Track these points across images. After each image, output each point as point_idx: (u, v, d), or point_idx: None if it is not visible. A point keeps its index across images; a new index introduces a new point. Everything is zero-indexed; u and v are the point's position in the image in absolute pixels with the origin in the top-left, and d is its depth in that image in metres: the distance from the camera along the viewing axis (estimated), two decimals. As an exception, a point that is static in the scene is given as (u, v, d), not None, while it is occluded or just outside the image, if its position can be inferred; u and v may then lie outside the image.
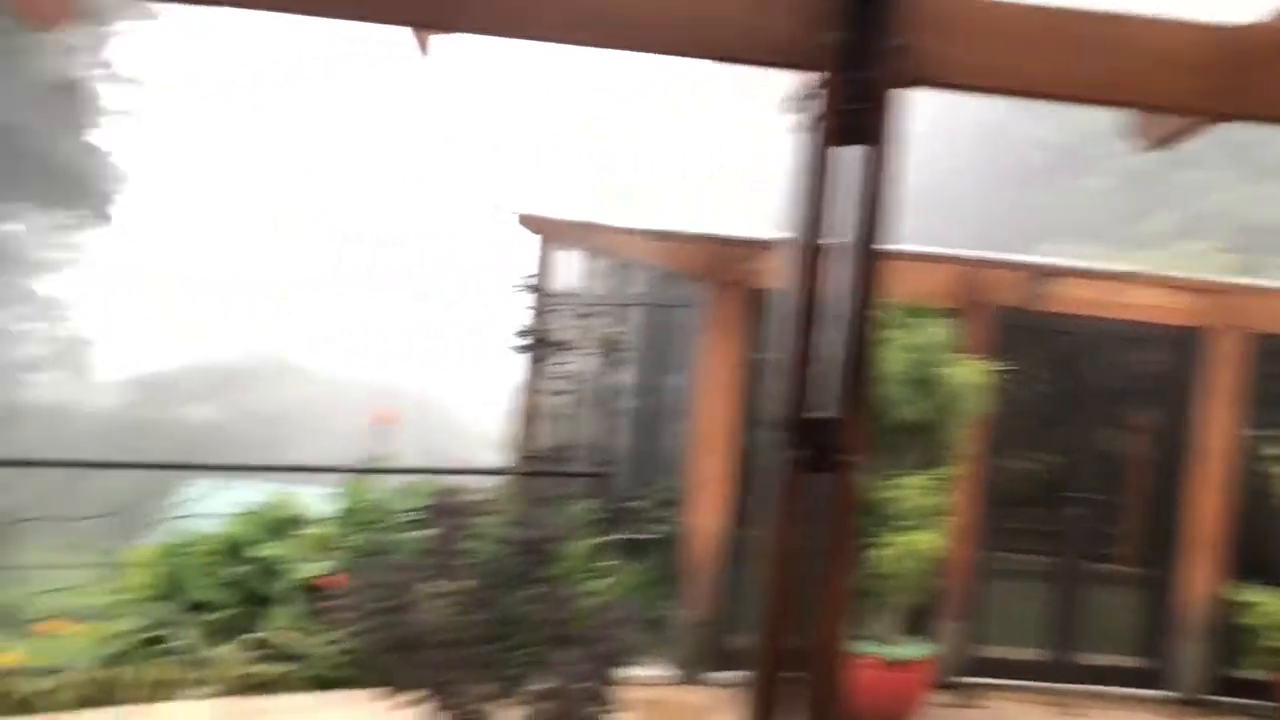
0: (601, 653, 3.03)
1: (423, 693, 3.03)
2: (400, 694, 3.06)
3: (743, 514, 7.81)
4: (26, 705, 6.14)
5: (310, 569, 7.79)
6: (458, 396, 74.63)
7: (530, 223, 13.33)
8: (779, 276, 3.22)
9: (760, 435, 8.11)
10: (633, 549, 8.12)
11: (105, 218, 38.92)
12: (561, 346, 7.90)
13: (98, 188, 39.09)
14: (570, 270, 12.64)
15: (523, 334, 8.27)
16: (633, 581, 7.57)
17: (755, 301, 7.76)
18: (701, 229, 7.73)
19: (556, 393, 10.42)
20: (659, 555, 7.99)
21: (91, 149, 42.23)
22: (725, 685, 7.26)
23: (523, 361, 13.26)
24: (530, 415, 13.07)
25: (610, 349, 8.31)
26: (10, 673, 6.43)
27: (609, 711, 3.04)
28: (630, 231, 9.65)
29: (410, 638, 2.88)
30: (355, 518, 8.73)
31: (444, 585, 2.96)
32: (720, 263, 7.76)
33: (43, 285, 62.19)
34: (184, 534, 8.86)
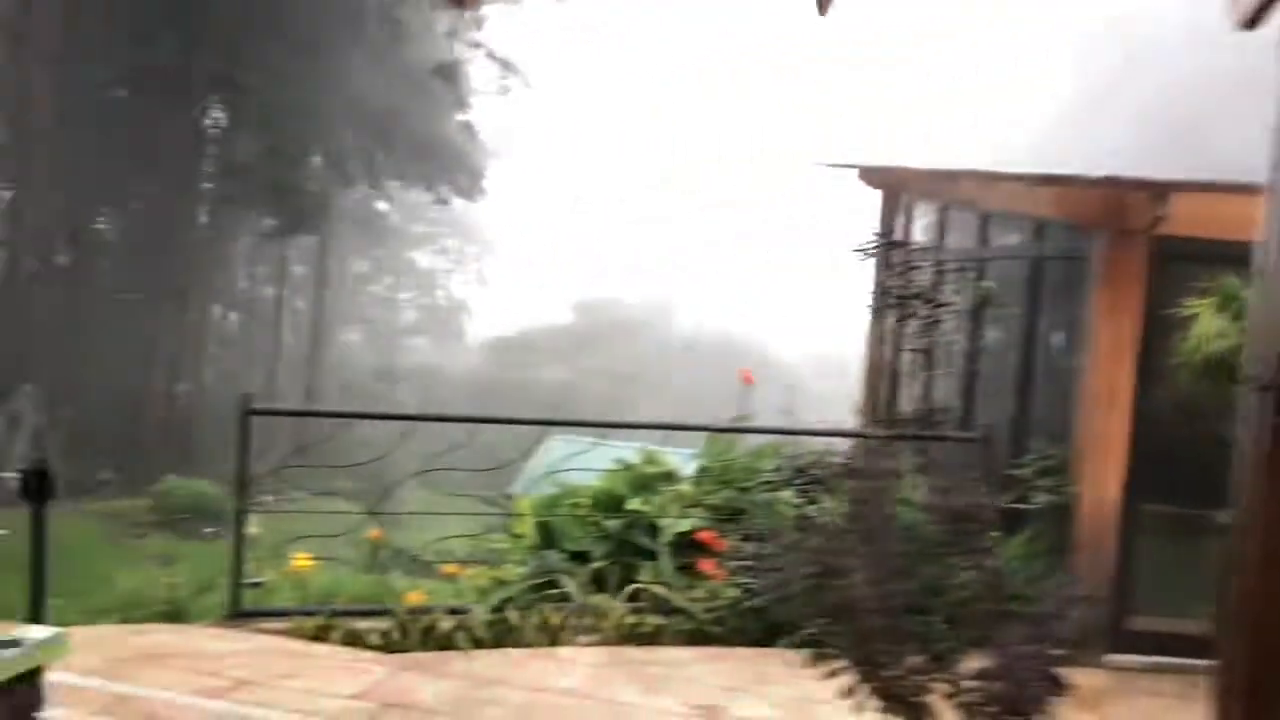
0: (1051, 631, 2.76)
1: (847, 662, 2.87)
2: (823, 661, 2.92)
3: (1141, 482, 7.12)
4: (439, 640, 6.59)
5: (682, 525, 7.89)
6: (800, 355, 74.71)
7: (872, 176, 12.83)
8: (1248, 224, 2.76)
9: (1157, 397, 7.34)
10: (1013, 519, 7.62)
11: (477, 192, 41.93)
12: (927, 304, 7.43)
13: (470, 164, 42.24)
14: (920, 225, 12.07)
15: (882, 292, 7.85)
16: (1017, 554, 7.10)
17: (1158, 251, 7.01)
18: (1098, 172, 7.04)
19: (914, 352, 9.95)
20: (1043, 526, 7.45)
21: (465, 127, 45.54)
22: (1125, 669, 6.66)
23: (872, 320, 12.85)
24: (883, 376, 12.63)
25: (982, 305, 7.79)
26: (417, 610, 6.92)
27: (1061, 694, 2.76)
28: (1001, 178, 9.03)
29: (838, 605, 2.73)
30: (717, 476, 8.77)
31: (870, 550, 2.78)
32: (1121, 209, 7.05)
33: (420, 256, 68.29)
34: (558, 488, 9.23)
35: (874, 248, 8.12)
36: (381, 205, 50.74)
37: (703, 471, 8.92)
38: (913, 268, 8.04)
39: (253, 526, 6.73)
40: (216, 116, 37.54)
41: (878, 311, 9.87)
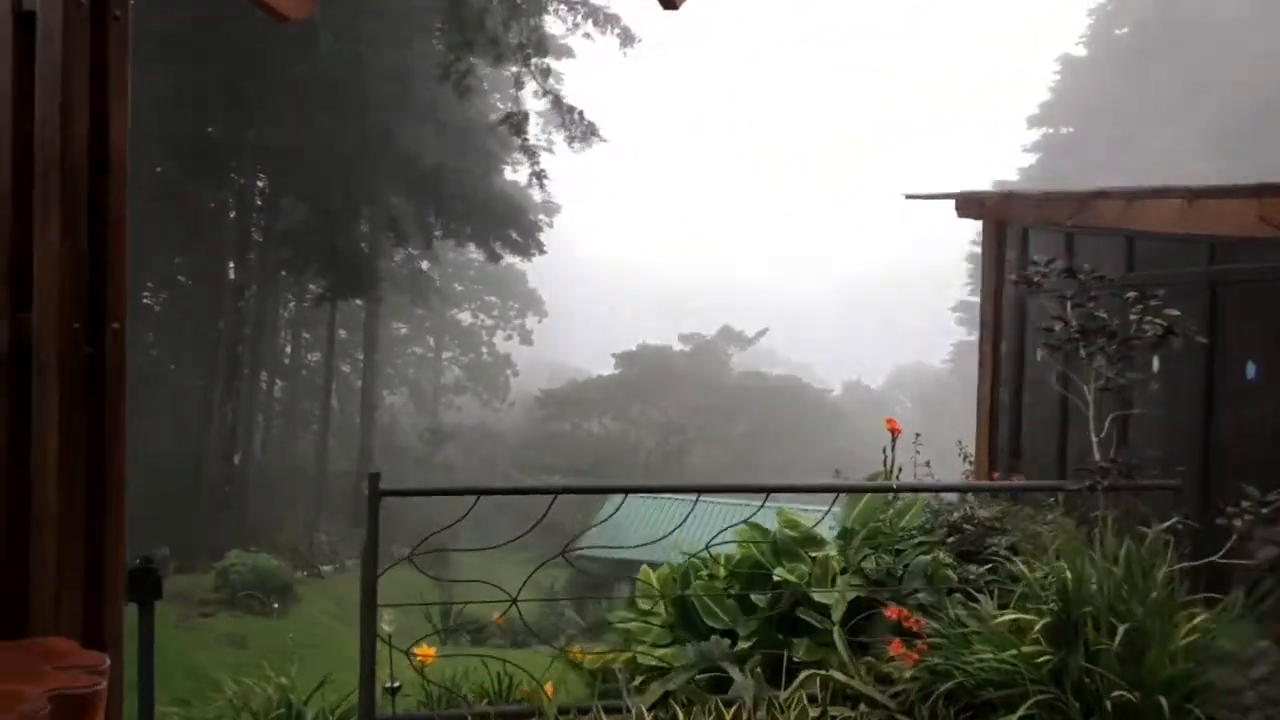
0: None
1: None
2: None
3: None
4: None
5: (847, 597, 7.03)
6: (911, 400, 73.50)
7: (972, 206, 12.03)
8: None
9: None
10: (1216, 577, 6.70)
11: (533, 248, 41.32)
12: (1110, 338, 6.55)
13: (526, 220, 41.72)
14: (1041, 253, 11.26)
15: (1052, 326, 7.00)
16: (1229, 619, 6.19)
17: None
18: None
19: (1103, 391, 9.02)
20: (1262, 585, 6.51)
21: (527, 180, 45.14)
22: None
23: (987, 355, 11.97)
24: (1001, 417, 11.71)
25: (1166, 336, 6.93)
26: (569, 709, 6.04)
27: None
28: (1169, 194, 8.22)
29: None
30: (866, 538, 7.92)
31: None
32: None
33: (461, 314, 68.04)
34: (684, 556, 8.38)
35: (1040, 277, 7.29)
36: (424, 264, 50.40)
37: (846, 533, 8.07)
38: (1092, 297, 7.19)
39: (385, 623, 5.99)
40: (263, 182, 37.49)
41: (1054, 349, 8.79)
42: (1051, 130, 62.88)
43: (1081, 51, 61.09)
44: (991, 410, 11.92)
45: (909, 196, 13.24)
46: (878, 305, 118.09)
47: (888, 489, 6.65)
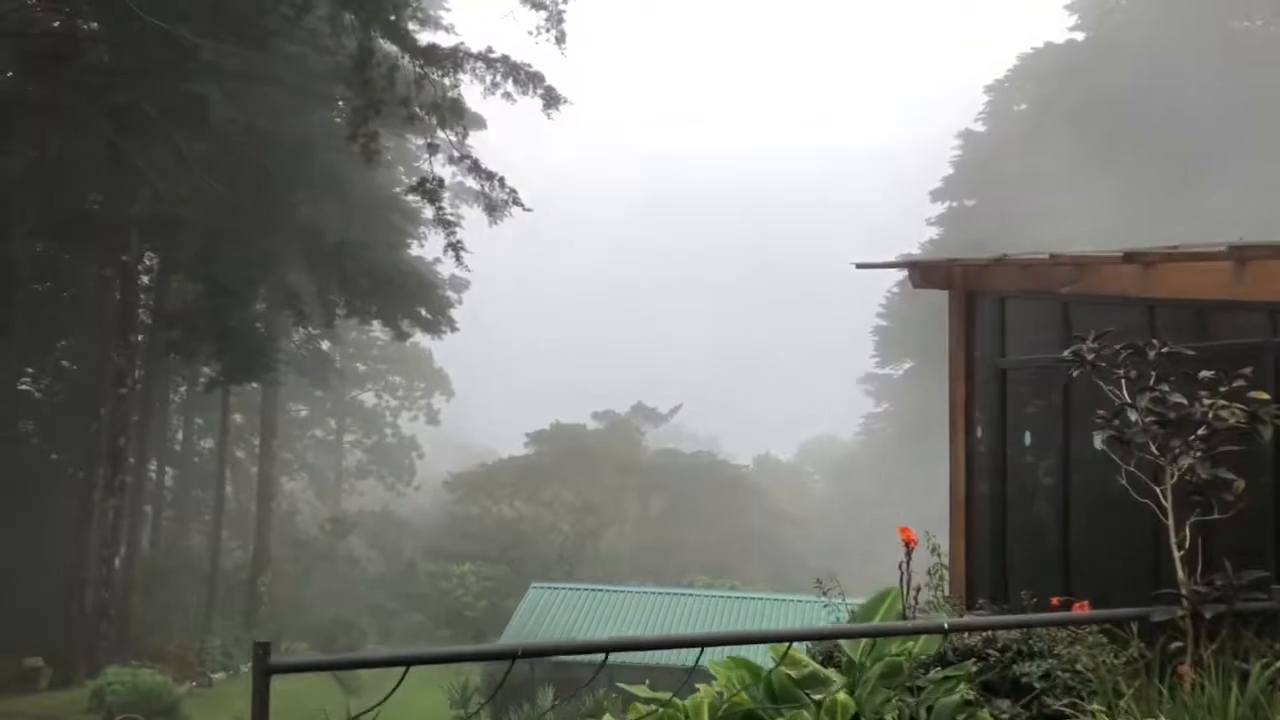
0: None
1: None
2: None
3: None
4: None
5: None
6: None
7: (934, 274, 10.97)
8: None
9: None
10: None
11: (444, 325, 39.47)
12: (1186, 426, 5.36)
13: (437, 296, 39.96)
14: (1020, 327, 10.22)
15: (1105, 417, 5.77)
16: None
17: None
18: None
19: (1190, 494, 7.83)
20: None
21: (422, 260, 43.46)
22: None
23: (967, 457, 10.72)
24: (989, 529, 10.48)
25: (1253, 423, 5.76)
26: None
27: None
28: (1195, 257, 7.17)
29: None
30: (882, 675, 6.53)
31: None
32: None
33: (364, 395, 65.66)
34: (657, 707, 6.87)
35: (1093, 355, 6.06)
36: (325, 344, 48.26)
37: (852, 667, 6.67)
38: (1166, 381, 5.98)
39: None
40: (151, 260, 35.28)
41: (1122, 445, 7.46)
42: (955, 203, 63.74)
43: (981, 127, 62.27)
44: (967, 510, 10.63)
45: (860, 266, 12.13)
46: (780, 374, 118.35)
47: (938, 629, 5.29)
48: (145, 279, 36.71)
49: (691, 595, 29.07)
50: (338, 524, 52.71)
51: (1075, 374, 6.30)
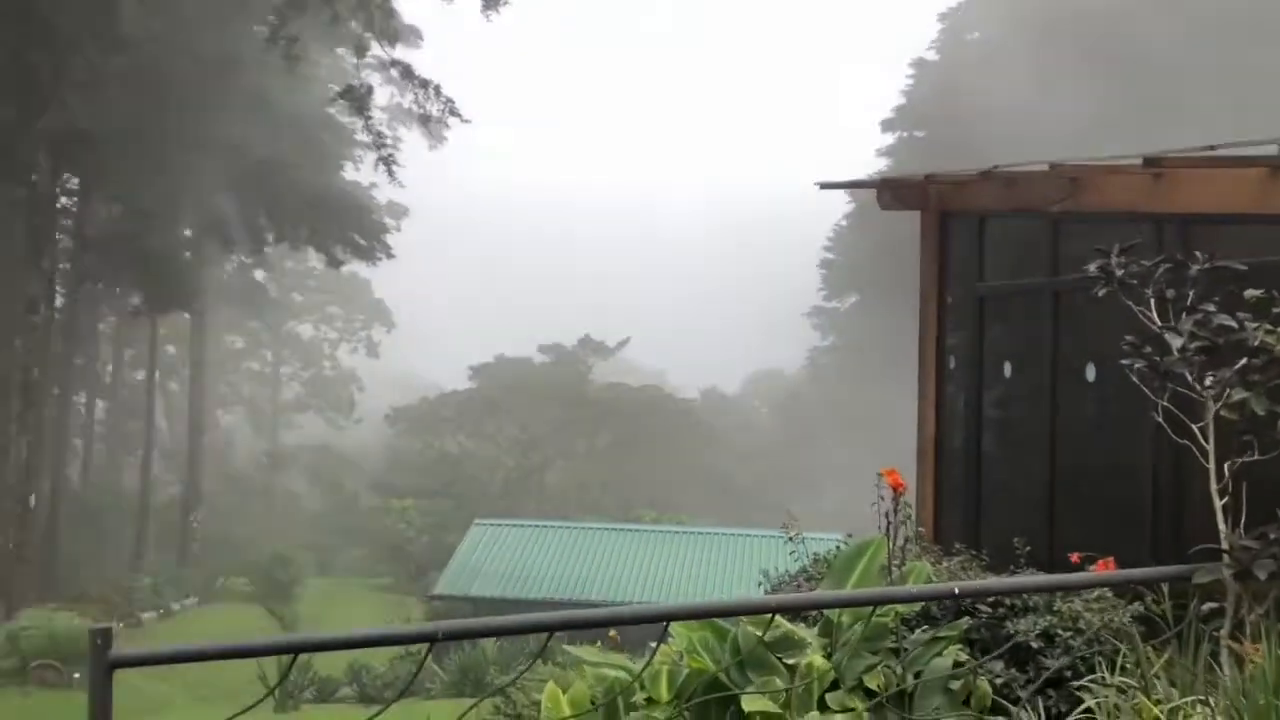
0: None
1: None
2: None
3: None
4: None
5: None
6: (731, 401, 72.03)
7: (905, 193, 10.05)
8: None
9: None
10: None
11: (380, 253, 37.72)
12: (1244, 351, 4.56)
13: (371, 220, 38.20)
14: (1000, 249, 9.39)
15: (1134, 344, 4.88)
16: None
17: None
18: None
19: (1239, 437, 7.04)
20: None
21: (356, 184, 41.51)
22: None
23: (943, 388, 9.91)
24: (962, 466, 9.74)
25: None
26: None
27: None
28: (1215, 163, 6.36)
29: None
30: (864, 635, 5.71)
31: None
32: None
33: (302, 327, 63.97)
34: (599, 659, 5.97)
35: (1122, 270, 5.17)
36: (258, 273, 46.56)
37: (830, 627, 5.85)
38: (1214, 300, 5.10)
39: None
40: (71, 180, 33.36)
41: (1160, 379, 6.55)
42: (905, 134, 62.91)
43: (933, 56, 61.27)
44: (937, 449, 9.78)
45: (824, 186, 11.22)
46: (725, 305, 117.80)
47: (948, 594, 4.45)
48: (66, 201, 34.86)
49: (640, 530, 28.40)
50: (275, 458, 51.50)
51: (1102, 293, 5.36)
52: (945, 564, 7.53)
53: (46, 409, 31.34)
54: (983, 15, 57.81)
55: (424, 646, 3.21)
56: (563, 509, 51.12)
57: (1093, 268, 5.24)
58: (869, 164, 62.53)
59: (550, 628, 3.51)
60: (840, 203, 65.73)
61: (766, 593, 9.19)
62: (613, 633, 10.22)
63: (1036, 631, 5.08)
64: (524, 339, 62.06)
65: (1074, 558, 5.26)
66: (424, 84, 25.09)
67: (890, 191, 10.05)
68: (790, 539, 9.17)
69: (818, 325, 76.19)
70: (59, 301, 34.71)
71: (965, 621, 5.32)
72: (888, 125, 63.48)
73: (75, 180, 33.74)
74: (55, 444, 34.82)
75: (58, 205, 32.65)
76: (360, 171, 41.75)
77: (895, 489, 5.78)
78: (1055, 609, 5.26)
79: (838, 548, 9.54)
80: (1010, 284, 8.86)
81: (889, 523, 5.70)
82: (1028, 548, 6.62)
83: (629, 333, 66.64)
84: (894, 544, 5.97)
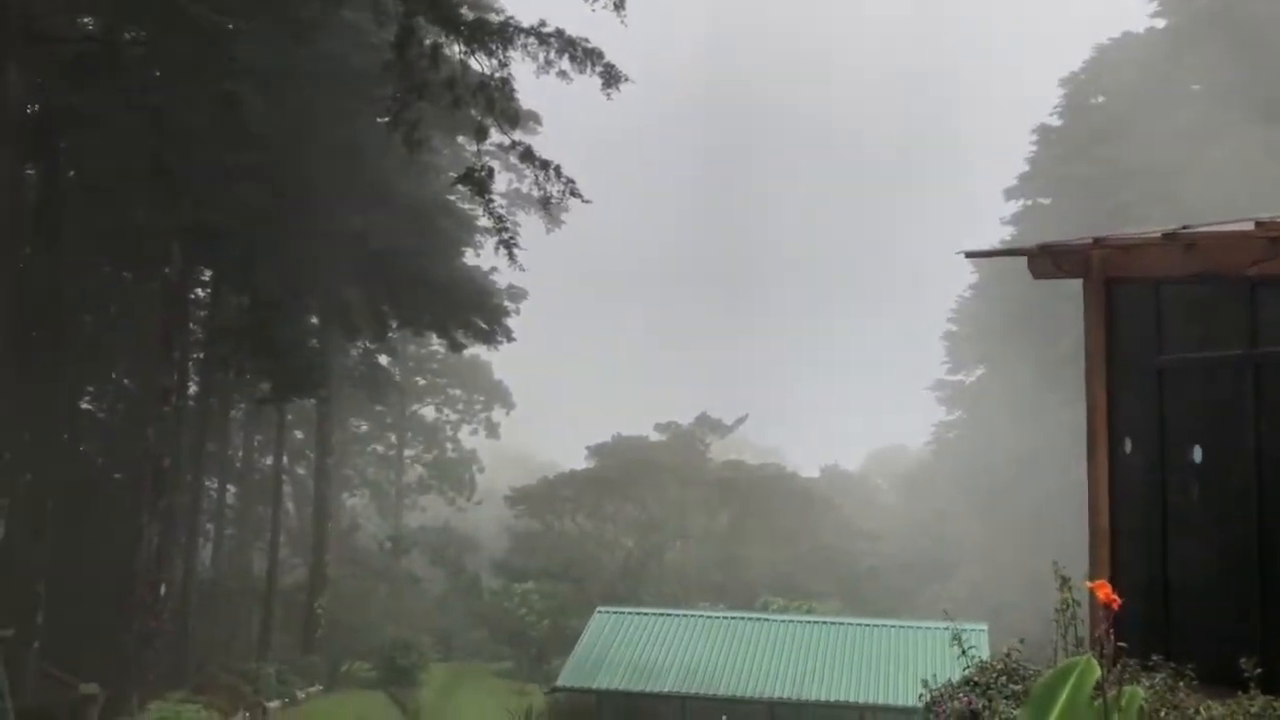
0: None
1: None
2: None
3: None
4: None
5: None
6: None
7: (1066, 259, 9.21)
8: None
9: None
10: None
11: (500, 335, 38.01)
12: None
13: (491, 303, 38.63)
14: (1182, 318, 8.46)
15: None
16: None
17: None
18: None
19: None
20: None
21: (477, 268, 41.95)
22: None
23: (1116, 469, 8.99)
24: (1147, 554, 8.81)
25: None
26: None
27: None
28: None
29: None
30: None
31: None
32: None
33: (423, 409, 64.78)
34: None
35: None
36: (382, 358, 47.29)
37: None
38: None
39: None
40: (200, 273, 34.49)
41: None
42: (1029, 202, 61.26)
43: (1056, 121, 59.71)
44: (1112, 544, 8.79)
45: (969, 255, 10.47)
46: (846, 382, 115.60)
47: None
48: (198, 293, 35.98)
49: (768, 620, 27.27)
50: (397, 541, 51.75)
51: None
52: (1146, 681, 6.61)
53: (179, 495, 31.93)
54: (1104, 80, 56.32)
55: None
56: (683, 591, 50.05)
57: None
58: (995, 233, 60.99)
59: None
60: (965, 272, 64.18)
61: (927, 704, 8.25)
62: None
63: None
64: (640, 419, 61.81)
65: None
66: (544, 165, 25.12)
67: (1051, 258, 9.24)
68: (955, 642, 8.23)
69: (942, 399, 74.02)
70: (192, 390, 35.64)
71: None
72: (1011, 193, 61.92)
73: (207, 273, 34.82)
74: (188, 530, 35.47)
75: (190, 297, 33.65)
76: (480, 256, 42.36)
77: (1108, 606, 4.90)
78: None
79: (1008, 653, 8.50)
80: (1198, 356, 7.94)
81: (1101, 647, 4.84)
82: (1258, 670, 5.68)
83: (744, 409, 65.83)
84: (1105, 670, 5.10)
